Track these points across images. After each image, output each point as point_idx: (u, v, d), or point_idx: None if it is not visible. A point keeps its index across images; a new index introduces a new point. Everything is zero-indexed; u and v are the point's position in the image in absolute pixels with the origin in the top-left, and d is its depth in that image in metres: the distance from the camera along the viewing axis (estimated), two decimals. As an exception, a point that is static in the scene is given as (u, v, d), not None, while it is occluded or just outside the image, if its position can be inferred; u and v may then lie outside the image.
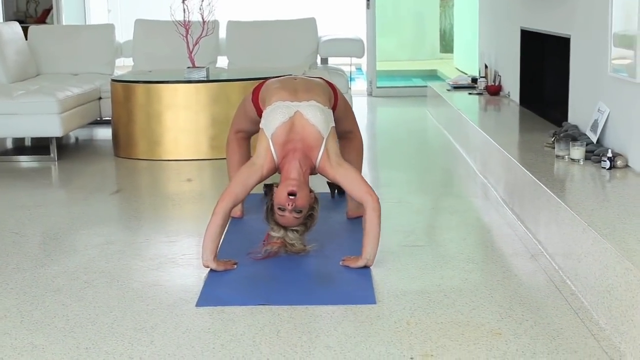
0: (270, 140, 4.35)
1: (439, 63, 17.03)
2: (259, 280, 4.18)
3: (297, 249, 4.40)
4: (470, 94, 8.92)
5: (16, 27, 8.65)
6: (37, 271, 4.47)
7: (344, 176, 4.38)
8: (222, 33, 9.26)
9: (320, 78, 4.94)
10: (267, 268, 4.41)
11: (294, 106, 4.40)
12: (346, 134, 4.95)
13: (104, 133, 9.04)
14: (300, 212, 4.29)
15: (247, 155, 5.25)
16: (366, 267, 4.32)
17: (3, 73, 8.12)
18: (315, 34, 9.08)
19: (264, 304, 3.84)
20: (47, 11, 12.88)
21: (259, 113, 4.79)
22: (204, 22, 7.76)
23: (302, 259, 4.46)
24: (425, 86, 10.58)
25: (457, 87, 9.36)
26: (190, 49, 7.54)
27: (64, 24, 12.06)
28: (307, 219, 4.39)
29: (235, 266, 4.33)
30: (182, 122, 7.29)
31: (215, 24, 8.53)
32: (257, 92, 4.83)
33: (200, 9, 7.61)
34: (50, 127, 7.33)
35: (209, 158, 7.32)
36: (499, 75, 8.73)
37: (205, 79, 7.39)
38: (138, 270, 4.36)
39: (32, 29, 9.23)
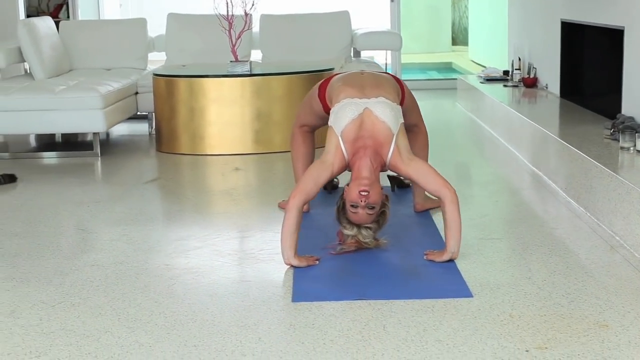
0: (340, 138, 4.32)
1: (452, 55, 16.99)
2: (347, 275, 4.14)
3: (372, 245, 4.33)
4: (505, 86, 8.88)
5: (50, 21, 8.60)
6: (118, 268, 4.45)
7: (417, 171, 4.36)
8: (254, 27, 9.11)
9: (387, 73, 4.89)
10: (350, 263, 4.39)
11: (363, 103, 4.37)
12: (411, 127, 4.93)
13: (140, 128, 9.00)
14: (373, 208, 4.26)
15: (312, 149, 5.23)
16: (451, 261, 4.23)
17: (40, 68, 8.06)
18: (349, 27, 9.04)
19: (361, 299, 3.78)
20: (60, 6, 12.79)
21: (325, 109, 4.76)
22: (246, 15, 7.68)
23: (381, 253, 4.47)
24: (453, 79, 10.51)
25: (490, 80, 9.25)
26: (233, 43, 7.45)
27: (79, 19, 11.94)
28: (380, 216, 4.37)
29: (318, 262, 4.25)
30: (226, 116, 7.25)
31: (249, 17, 8.43)
32: (323, 88, 4.80)
33: (243, 2, 7.50)
34: (94, 122, 7.29)
35: (253, 152, 7.23)
36: (534, 67, 8.66)
37: (249, 72, 7.27)
38: (221, 266, 4.31)
39: (64, 24, 9.17)
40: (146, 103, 8.22)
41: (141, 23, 9.12)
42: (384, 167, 4.39)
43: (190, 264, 4.36)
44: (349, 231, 4.31)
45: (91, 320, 3.66)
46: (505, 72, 9.42)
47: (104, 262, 4.45)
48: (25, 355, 3.32)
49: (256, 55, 9.17)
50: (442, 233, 4.70)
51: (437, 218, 5.02)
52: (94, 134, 7.43)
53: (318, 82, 5.03)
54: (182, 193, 6.23)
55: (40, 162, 7.43)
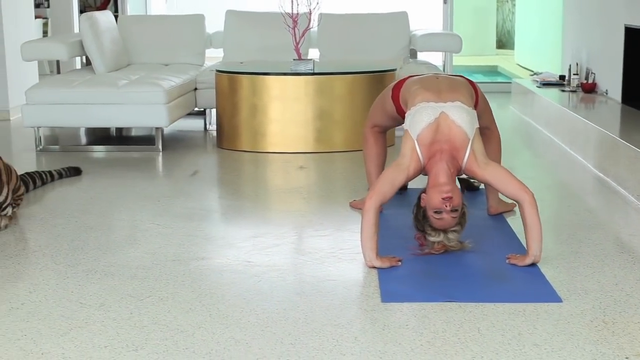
0: (415, 142, 4.32)
1: (497, 59, 16.91)
2: (432, 277, 4.14)
3: (457, 248, 4.32)
4: (563, 90, 8.81)
5: (110, 16, 8.63)
6: (200, 263, 4.47)
7: (493, 175, 4.35)
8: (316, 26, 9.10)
9: (460, 76, 4.88)
10: (433, 265, 4.40)
11: (439, 107, 4.36)
12: (484, 130, 4.91)
13: (194, 124, 9.14)
14: (456, 210, 4.25)
15: (384, 149, 5.24)
16: (533, 265, 4.21)
17: (101, 62, 8.08)
18: (407, 28, 9.03)
19: (450, 301, 3.75)
20: (107, 1, 12.81)
21: (399, 111, 4.77)
22: (310, 13, 7.67)
23: (462, 255, 4.47)
24: (501, 82, 10.45)
25: (546, 84, 9.20)
26: (297, 41, 7.44)
27: (128, 13, 11.96)
28: (461, 217, 4.33)
29: (400, 263, 4.23)
30: (288, 115, 7.24)
31: (301, 16, 8.41)
32: (397, 90, 4.81)
33: (308, 1, 7.50)
34: (157, 117, 7.31)
35: (314, 151, 7.20)
36: (592, 72, 8.61)
37: (312, 71, 7.25)
38: (303, 265, 4.30)
39: (122, 18, 9.22)
40: (204, 99, 8.19)
41: (199, 19, 9.13)
42: (459, 171, 4.38)
43: (271, 262, 4.35)
44: (435, 237, 4.31)
45: (182, 315, 3.65)
46: (562, 77, 9.33)
47: (184, 257, 4.45)
48: (122, 348, 3.32)
49: (313, 54, 9.12)
50: (519, 236, 4.73)
51: (512, 221, 4.97)
52: (156, 129, 7.38)
53: (391, 84, 5.03)
54: (250, 190, 6.30)
55: (99, 155, 7.47)
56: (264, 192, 6.08)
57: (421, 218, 4.33)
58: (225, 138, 7.50)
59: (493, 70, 15.82)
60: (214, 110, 8.45)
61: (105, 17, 8.42)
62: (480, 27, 17.86)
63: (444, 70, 10.52)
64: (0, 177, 4.88)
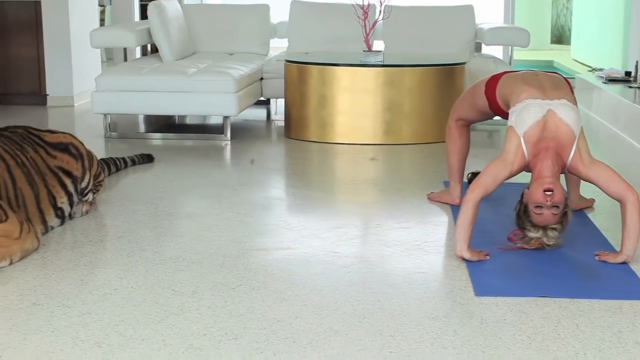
0: (522, 138, 4.29)
1: (552, 54, 16.79)
2: (524, 272, 4.13)
3: (554, 247, 4.29)
4: (630, 87, 8.70)
5: (176, 4, 8.65)
6: (286, 253, 4.48)
7: (598, 174, 4.31)
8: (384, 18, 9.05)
9: (555, 73, 4.84)
10: (522, 260, 4.38)
11: (546, 104, 4.34)
12: None
13: (257, 113, 9.15)
14: (557, 207, 4.22)
15: (468, 143, 5.22)
16: (624, 263, 4.16)
17: (169, 50, 8.09)
18: (473, 21, 8.96)
19: (545, 296, 3.72)
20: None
21: (492, 106, 4.77)
22: (381, 4, 7.63)
23: (549, 250, 4.46)
24: (571, 77, 10.33)
25: (611, 80, 9.11)
26: (367, 33, 7.41)
27: (191, 2, 11.97)
28: (562, 217, 4.29)
29: (488, 257, 4.19)
30: (357, 106, 7.22)
31: (372, 7, 8.39)
32: (492, 85, 4.78)
33: (379, -7, 7.49)
34: (227, 106, 7.31)
35: (382, 143, 7.19)
36: (660, 69, 8.51)
37: (382, 63, 7.22)
38: (390, 257, 4.29)
39: (187, 7, 9.22)
40: (270, 89, 8.19)
41: (264, 9, 9.12)
42: (563, 169, 4.34)
43: (358, 253, 4.34)
44: (534, 233, 4.28)
45: (277, 305, 3.64)
46: (627, 73, 9.23)
47: (269, 246, 4.45)
48: (222, 337, 3.31)
49: (377, 46, 9.08)
50: (603, 233, 4.78)
51: (592, 217, 5.03)
52: (225, 117, 7.38)
53: (483, 79, 4.99)
54: (323, 181, 6.33)
55: (165, 143, 7.53)
56: (338, 183, 6.10)
57: (522, 214, 4.30)
58: (293, 128, 7.50)
59: (549, 65, 15.70)
60: (279, 100, 8.41)
61: (172, 5, 8.44)
62: (536, 21, 17.73)
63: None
64: (83, 163, 4.89)
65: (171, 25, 8.16)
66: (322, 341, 3.28)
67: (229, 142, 7.36)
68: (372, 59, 7.28)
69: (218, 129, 7.86)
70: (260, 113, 8.95)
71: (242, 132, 7.81)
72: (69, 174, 4.83)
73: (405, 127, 7.29)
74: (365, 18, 7.51)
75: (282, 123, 8.07)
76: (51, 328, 3.37)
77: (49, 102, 9.49)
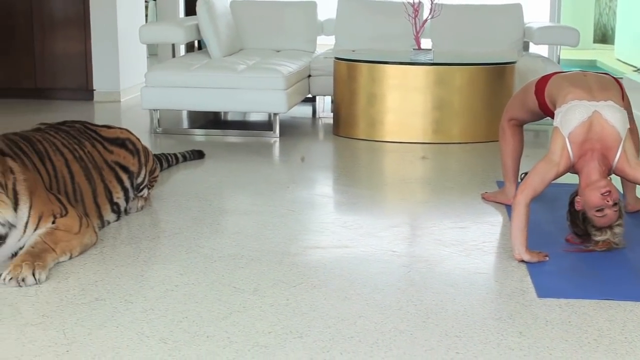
0: (567, 139, 4.26)
1: (595, 53, 16.67)
2: (585, 274, 4.11)
3: (622, 244, 4.26)
4: (680, 87, 8.60)
5: (224, 0, 8.58)
6: (344, 251, 4.47)
7: None
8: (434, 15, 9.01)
9: (606, 74, 4.79)
10: (581, 261, 4.35)
11: (592, 106, 4.30)
12: None
13: (303, 110, 9.15)
14: (616, 204, 4.20)
15: (521, 143, 5.19)
16: (685, 265, 4.13)
17: (217, 46, 8.11)
18: (522, 20, 8.90)
19: (608, 299, 3.69)
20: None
21: (542, 107, 4.76)
22: (432, 2, 7.60)
23: (608, 252, 4.43)
24: (620, 78, 10.22)
25: (660, 80, 9.02)
26: (417, 31, 7.38)
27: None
28: (619, 211, 4.27)
29: (547, 258, 4.17)
30: (406, 104, 7.21)
31: (420, 5, 8.35)
32: (541, 85, 4.75)
33: (430, -10, 7.46)
34: (276, 103, 7.31)
35: (432, 142, 7.15)
36: None
37: (432, 61, 7.19)
38: (449, 257, 4.27)
39: (233, 3, 9.21)
40: (318, 86, 8.18)
41: (311, 6, 9.12)
42: (609, 171, 4.31)
43: (416, 252, 4.33)
44: (602, 236, 4.26)
45: (339, 303, 3.64)
46: (676, 73, 9.15)
47: (326, 244, 4.44)
48: (286, 335, 3.31)
49: (424, 44, 9.03)
50: None
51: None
52: (274, 114, 7.37)
53: (533, 79, 4.97)
54: (375, 179, 6.33)
55: (211, 139, 7.58)
56: (389, 181, 6.10)
57: (581, 222, 4.27)
58: (342, 125, 7.49)
59: (592, 65, 15.61)
60: (326, 98, 8.40)
61: (220, 1, 8.43)
62: (578, 20, 17.61)
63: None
64: (139, 158, 4.90)
65: (219, 22, 8.17)
66: (388, 341, 3.26)
67: (278, 139, 7.33)
68: (422, 57, 7.26)
69: (263, 126, 7.89)
70: (306, 110, 8.95)
71: (289, 129, 7.81)
72: (125, 169, 4.84)
73: (454, 125, 7.26)
74: (416, 16, 7.46)
75: (329, 121, 8.04)
76: (115, 324, 3.37)
77: (96, 97, 9.54)
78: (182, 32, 7.97)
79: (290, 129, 7.79)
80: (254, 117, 8.55)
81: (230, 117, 8.58)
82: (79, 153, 4.56)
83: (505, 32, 8.80)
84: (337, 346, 3.20)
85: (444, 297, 3.71)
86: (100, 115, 8.49)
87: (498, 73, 7.28)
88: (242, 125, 8.30)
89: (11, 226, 3.86)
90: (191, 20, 8.34)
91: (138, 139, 5.00)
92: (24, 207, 3.95)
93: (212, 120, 8.34)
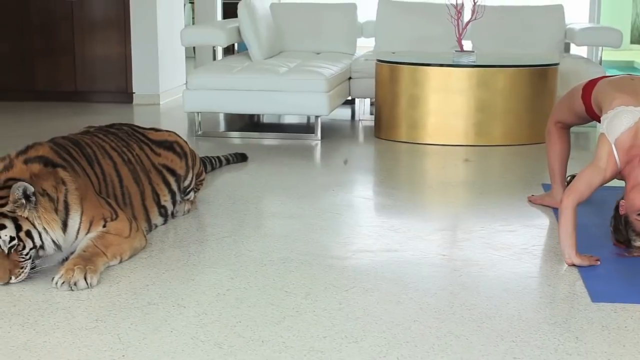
0: (613, 145, 4.23)
1: (632, 54, 16.55)
2: (638, 278, 3.98)
3: None
4: None
5: (265, 2, 8.61)
6: (393, 255, 4.47)
7: None
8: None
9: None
10: (633, 265, 4.34)
11: (638, 111, 4.22)
12: None
13: (343, 113, 9.17)
14: None
15: (568, 145, 5.16)
16: None
17: (258, 49, 8.11)
18: (563, 21, 8.84)
19: (665, 304, 3.64)
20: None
21: (589, 111, 4.76)
22: (474, 4, 7.57)
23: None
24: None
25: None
26: (460, 33, 7.35)
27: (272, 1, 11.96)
28: None
29: (599, 262, 4.13)
30: (448, 106, 7.19)
31: (477, 7, 8.30)
32: (588, 90, 4.73)
33: (473, -7, 7.43)
34: (318, 105, 7.30)
35: (473, 144, 7.11)
36: None
37: (475, 63, 7.15)
38: (500, 260, 4.26)
39: (274, 5, 9.22)
40: (358, 89, 8.17)
41: (351, 8, 9.09)
42: None
43: (466, 256, 4.30)
44: None
45: (392, 307, 3.62)
46: None
47: (376, 248, 4.44)
48: (342, 339, 3.30)
49: (465, 45, 8.99)
50: None
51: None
52: (315, 117, 7.37)
53: (580, 83, 4.94)
54: (419, 181, 6.35)
55: (251, 142, 7.62)
56: (434, 184, 6.12)
57: (623, 227, 4.23)
58: (384, 128, 7.48)
59: (629, 66, 15.49)
60: (365, 100, 8.39)
61: (261, 3, 8.44)
62: (615, 21, 17.47)
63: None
64: (186, 161, 4.90)
65: (260, 24, 8.17)
66: (444, 346, 3.24)
67: (319, 142, 7.31)
68: (465, 59, 7.23)
69: (302, 128, 7.89)
70: (344, 113, 8.92)
71: (329, 132, 7.82)
72: (172, 172, 4.84)
73: (496, 128, 7.23)
74: (459, 18, 7.43)
75: (368, 123, 8.04)
76: (169, 328, 3.37)
77: (135, 100, 9.55)
78: (223, 35, 7.99)
79: (330, 132, 7.78)
80: (289, 120, 8.52)
81: (266, 120, 8.54)
82: (127, 156, 4.56)
83: (547, 34, 8.75)
84: (394, 351, 3.19)
85: (498, 301, 3.69)
86: (139, 118, 8.52)
87: (541, 75, 7.24)
88: (279, 127, 8.32)
89: (57, 247, 3.87)
90: (232, 23, 8.34)
91: (185, 142, 5.02)
92: (75, 215, 3.97)
93: (248, 123, 8.31)
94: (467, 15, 8.39)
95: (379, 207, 5.26)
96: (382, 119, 7.47)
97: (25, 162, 3.89)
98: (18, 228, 3.73)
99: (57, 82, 9.64)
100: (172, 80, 9.81)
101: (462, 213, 5.19)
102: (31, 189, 3.73)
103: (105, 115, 8.57)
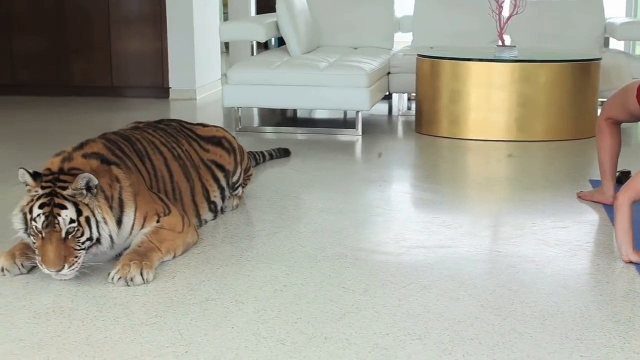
0: None
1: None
2: (698, 275, 3.94)
3: None
4: None
5: (302, -3, 8.59)
6: (447, 251, 4.44)
7: None
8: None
9: None
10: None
11: None
12: None
13: (380, 108, 9.13)
14: None
15: (619, 141, 5.13)
16: None
17: (297, 44, 8.08)
18: (602, 16, 8.75)
19: None
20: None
21: None
22: (516, -1, 7.53)
23: None
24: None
25: None
26: (501, 27, 7.30)
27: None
28: None
29: (658, 259, 4.09)
30: (490, 101, 7.14)
31: (517, 1, 8.25)
32: None
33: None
34: (359, 100, 7.26)
35: (515, 140, 7.07)
36: None
37: (517, 58, 7.10)
38: (556, 257, 4.22)
39: (311, 0, 9.13)
40: (397, 84, 8.15)
41: (388, 2, 9.08)
42: None
43: (521, 252, 4.26)
44: None
45: (452, 304, 3.60)
46: None
47: (428, 244, 4.41)
48: (405, 336, 3.28)
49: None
50: None
51: None
52: (356, 112, 7.34)
53: (635, 81, 4.92)
54: (465, 177, 6.33)
55: (289, 137, 7.66)
56: (479, 179, 6.12)
57: None
58: (424, 123, 7.45)
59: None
60: (403, 95, 8.36)
61: (299, -1, 8.41)
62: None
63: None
64: (235, 157, 4.88)
65: (299, 19, 8.15)
66: (509, 343, 3.21)
67: (360, 137, 7.29)
68: (506, 54, 7.17)
69: (338, 123, 7.87)
70: (381, 108, 8.89)
71: (368, 127, 7.82)
72: (221, 167, 4.82)
73: (539, 123, 7.19)
74: (500, 12, 7.38)
75: (406, 118, 8.01)
76: (230, 324, 3.35)
77: (171, 95, 9.54)
78: (262, 30, 7.98)
79: (369, 127, 7.78)
80: (323, 115, 8.49)
81: (299, 115, 8.51)
82: (177, 152, 4.54)
83: (586, 28, 8.70)
84: (459, 348, 3.16)
85: (558, 298, 3.65)
86: (176, 114, 8.52)
87: (583, 70, 7.20)
88: (314, 122, 8.28)
89: (112, 242, 3.85)
90: (269, 18, 8.30)
91: (234, 137, 5.01)
92: (129, 212, 3.95)
93: (284, 118, 8.29)
94: (506, 10, 8.30)
95: (426, 203, 5.22)
96: (422, 114, 7.44)
97: (84, 157, 3.87)
98: (78, 212, 3.70)
99: (93, 77, 9.66)
100: (207, 75, 9.80)
101: (511, 209, 5.18)
102: (95, 181, 3.72)
103: (142, 110, 8.58)
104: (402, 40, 9.42)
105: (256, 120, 8.26)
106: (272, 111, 8.51)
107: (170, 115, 8.34)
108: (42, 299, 3.62)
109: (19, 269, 3.87)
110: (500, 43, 7.44)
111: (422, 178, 5.93)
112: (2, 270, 3.87)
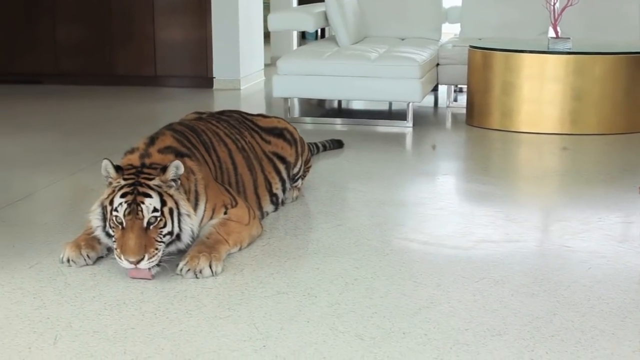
0: None
1: None
2: None
3: None
4: None
5: (350, -12, 8.53)
6: (516, 246, 4.39)
7: None
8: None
9: None
10: None
11: None
12: None
13: (427, 100, 8.99)
14: None
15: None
16: None
17: (345, 34, 8.03)
18: (645, 6, 8.59)
19: None
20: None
21: None
22: (572, -10, 7.45)
23: None
24: None
25: None
26: (555, 18, 7.22)
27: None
28: None
29: None
30: (543, 94, 7.06)
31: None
32: None
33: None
34: (411, 92, 7.22)
35: (568, 133, 6.98)
36: None
37: (571, 50, 7.02)
38: (625, 253, 4.22)
39: (358, -10, 9.09)
40: (445, 75, 8.08)
41: (437, -6, 8.94)
42: None
43: (590, 248, 4.22)
44: None
45: (528, 300, 3.61)
46: None
47: (496, 238, 4.39)
48: (484, 332, 3.28)
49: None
50: None
51: None
52: (407, 104, 7.28)
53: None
54: (522, 170, 6.27)
55: (339, 128, 7.61)
56: (536, 172, 6.08)
57: None
58: (476, 115, 7.38)
59: None
60: (452, 87, 8.29)
61: (347, -12, 8.36)
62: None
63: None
64: (296, 149, 4.84)
65: (347, 9, 8.10)
66: (591, 340, 3.17)
67: (412, 129, 7.23)
68: (560, 46, 7.09)
69: (384, 115, 8.08)
70: (428, 99, 8.85)
71: (417, 119, 7.80)
72: (283, 159, 4.79)
73: (593, 116, 7.10)
74: (555, 3, 7.30)
75: (456, 110, 7.95)
76: (305, 318, 3.32)
77: (216, 85, 9.51)
78: (311, 20, 7.93)
79: (418, 119, 7.74)
80: (368, 106, 8.45)
81: (344, 106, 8.46)
82: (241, 143, 4.51)
83: (638, 19, 8.53)
84: (541, 345, 3.11)
85: (635, 295, 3.61)
86: (220, 104, 8.52)
87: (638, 63, 7.07)
88: (357, 114, 8.24)
89: (193, 238, 3.81)
90: (319, 8, 8.25)
91: (295, 129, 4.96)
92: (201, 204, 3.92)
93: (329, 109, 8.24)
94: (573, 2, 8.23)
95: (486, 196, 5.18)
96: (474, 106, 7.38)
97: (159, 152, 3.83)
98: (162, 203, 3.65)
99: (137, 67, 9.64)
100: (251, 65, 9.76)
101: (574, 203, 5.14)
102: (182, 170, 3.67)
103: (185, 101, 8.57)
104: (449, 31, 9.31)
105: (296, 111, 8.16)
106: (317, 102, 8.43)
107: (214, 106, 8.31)
108: (112, 291, 3.59)
109: (85, 260, 3.83)
110: (553, 35, 7.31)
111: (479, 171, 5.89)
112: (69, 261, 3.83)
